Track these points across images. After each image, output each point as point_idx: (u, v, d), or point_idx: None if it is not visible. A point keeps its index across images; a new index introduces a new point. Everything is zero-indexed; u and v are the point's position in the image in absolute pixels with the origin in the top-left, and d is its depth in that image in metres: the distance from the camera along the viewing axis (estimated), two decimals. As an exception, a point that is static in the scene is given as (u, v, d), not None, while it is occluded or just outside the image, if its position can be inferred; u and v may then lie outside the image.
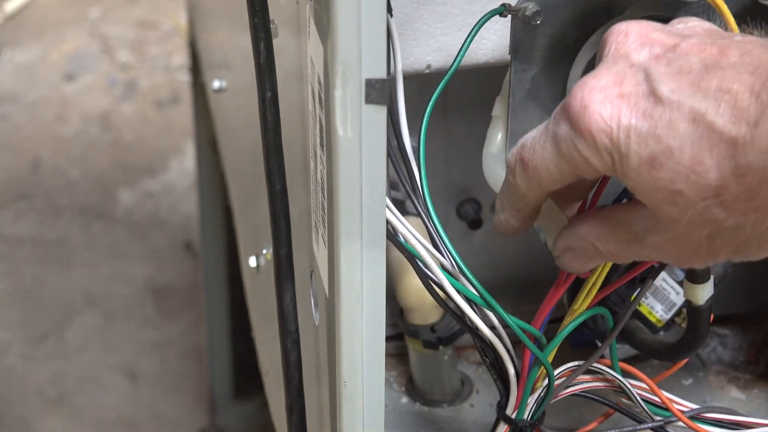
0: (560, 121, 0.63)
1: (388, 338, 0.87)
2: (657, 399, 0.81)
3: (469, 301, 0.72)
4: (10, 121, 2.57)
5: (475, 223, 0.96)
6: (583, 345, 0.90)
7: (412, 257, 0.71)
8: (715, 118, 0.59)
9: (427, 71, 0.80)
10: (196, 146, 1.83)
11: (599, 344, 0.81)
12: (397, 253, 0.73)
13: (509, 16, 0.74)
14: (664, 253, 0.65)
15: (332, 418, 0.75)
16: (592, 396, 0.81)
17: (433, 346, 0.91)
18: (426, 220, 0.72)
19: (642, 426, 0.82)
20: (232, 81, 1.26)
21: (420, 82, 0.81)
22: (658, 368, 0.92)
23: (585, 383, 0.80)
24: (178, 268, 2.22)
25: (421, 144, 0.72)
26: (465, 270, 0.72)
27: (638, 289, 0.81)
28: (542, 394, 0.77)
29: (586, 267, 0.71)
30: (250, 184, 1.12)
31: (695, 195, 0.60)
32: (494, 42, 0.80)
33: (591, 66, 0.74)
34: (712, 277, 0.77)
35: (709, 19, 0.72)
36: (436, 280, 0.71)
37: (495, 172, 0.78)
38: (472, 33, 0.74)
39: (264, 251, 1.04)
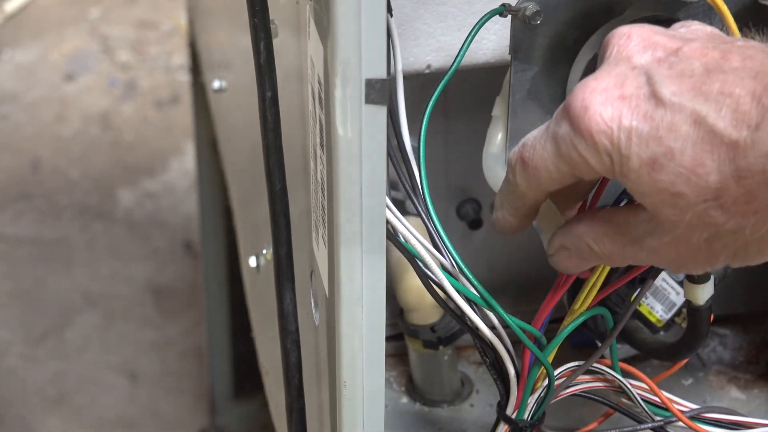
0: (561, 121, 0.64)
1: (388, 338, 0.87)
2: (657, 399, 0.81)
3: (469, 301, 0.72)
4: (10, 121, 2.57)
5: (475, 223, 0.96)
6: (583, 345, 0.90)
7: (412, 257, 0.71)
8: (716, 121, 0.60)
9: (427, 71, 0.80)
10: (196, 146, 1.83)
11: (599, 344, 0.81)
12: (397, 253, 0.73)
13: (509, 16, 0.74)
14: (662, 258, 0.65)
15: (332, 418, 0.75)
16: (592, 396, 0.81)
17: (433, 346, 0.91)
18: (426, 220, 0.72)
19: (642, 426, 0.82)
20: (232, 81, 1.26)
21: (420, 82, 0.81)
22: (658, 368, 0.92)
23: (585, 383, 0.80)
24: (178, 268, 2.22)
25: (421, 144, 0.72)
26: (465, 270, 0.72)
27: (638, 289, 0.81)
28: (542, 394, 0.77)
29: (580, 268, 0.71)
30: (250, 184, 1.12)
31: (695, 197, 0.60)
32: (494, 42, 0.80)
33: (591, 66, 0.74)
34: (712, 277, 0.77)
35: (709, 20, 0.72)
36: (436, 280, 0.71)
37: (495, 172, 0.78)
38: (472, 33, 0.74)
39: (264, 251, 1.04)
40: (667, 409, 0.81)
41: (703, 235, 0.62)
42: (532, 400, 0.77)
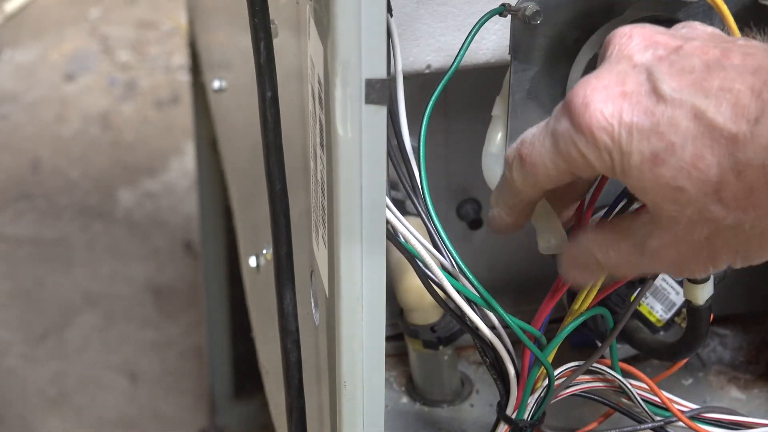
0: (561, 118, 0.64)
1: (388, 338, 0.87)
2: (657, 399, 0.81)
3: (469, 301, 0.72)
4: (10, 121, 2.57)
5: (475, 223, 0.96)
6: (583, 345, 0.90)
7: (412, 257, 0.71)
8: (715, 116, 0.60)
9: (427, 71, 0.80)
10: (196, 146, 1.83)
11: (599, 344, 0.81)
12: (397, 253, 0.73)
13: (509, 16, 0.74)
14: (663, 260, 0.65)
15: (332, 418, 0.75)
16: (592, 396, 0.81)
17: (433, 346, 0.91)
18: (426, 220, 0.72)
19: (642, 426, 0.82)
20: (232, 81, 1.26)
21: (420, 82, 0.81)
22: (658, 368, 0.92)
23: (585, 383, 0.80)
24: (178, 268, 2.22)
25: (421, 144, 0.72)
26: (465, 270, 0.72)
27: (638, 289, 0.81)
28: (542, 394, 0.77)
29: (590, 280, 0.72)
30: (250, 184, 1.12)
31: (696, 191, 0.61)
32: (494, 42, 0.80)
33: (591, 66, 0.74)
34: (712, 277, 0.77)
35: (709, 20, 0.72)
36: (436, 280, 0.71)
37: (495, 172, 0.78)
38: (472, 33, 0.74)
39: (264, 251, 1.04)
40: (667, 409, 0.81)
41: (704, 232, 0.62)
42: (532, 400, 0.77)
